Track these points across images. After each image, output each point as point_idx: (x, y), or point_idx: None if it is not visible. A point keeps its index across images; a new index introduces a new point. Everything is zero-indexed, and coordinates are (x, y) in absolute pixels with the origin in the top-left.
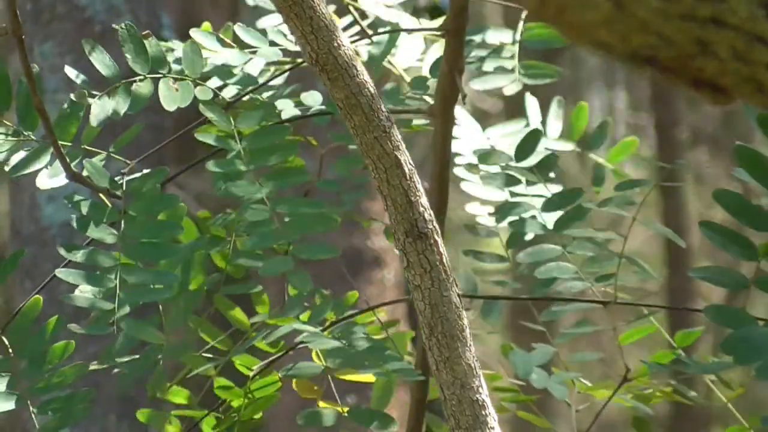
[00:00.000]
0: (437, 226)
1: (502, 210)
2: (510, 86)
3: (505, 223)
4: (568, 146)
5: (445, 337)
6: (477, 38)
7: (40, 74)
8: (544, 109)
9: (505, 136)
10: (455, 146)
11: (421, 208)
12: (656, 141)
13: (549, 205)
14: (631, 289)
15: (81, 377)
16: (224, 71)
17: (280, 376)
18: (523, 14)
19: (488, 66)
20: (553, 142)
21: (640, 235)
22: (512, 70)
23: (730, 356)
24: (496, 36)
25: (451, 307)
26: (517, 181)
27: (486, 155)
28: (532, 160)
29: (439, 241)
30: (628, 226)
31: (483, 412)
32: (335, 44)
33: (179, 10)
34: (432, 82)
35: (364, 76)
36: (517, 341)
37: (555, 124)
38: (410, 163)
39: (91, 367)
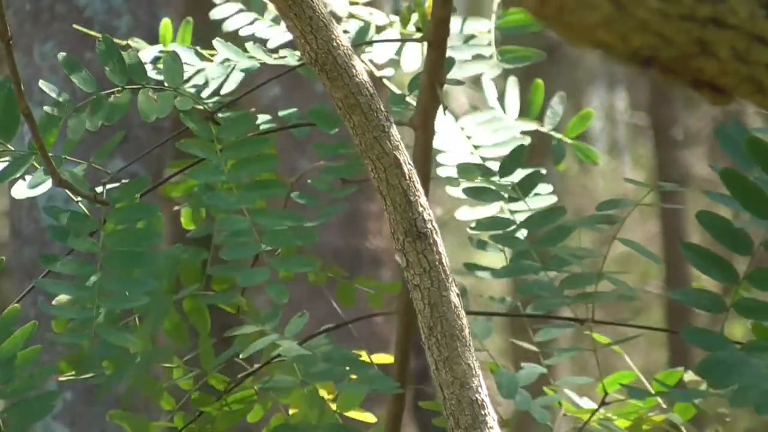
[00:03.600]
0: (436, 226)
1: (483, 224)
2: (490, 72)
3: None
4: (530, 125)
5: (444, 336)
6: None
7: (40, 74)
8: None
9: (480, 125)
10: (440, 159)
11: (421, 208)
12: (654, 141)
13: (530, 223)
14: (631, 289)
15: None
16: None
17: (256, 389)
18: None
19: (466, 54)
20: (517, 123)
21: (640, 234)
22: (490, 57)
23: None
24: (468, 26)
25: (451, 307)
26: (500, 197)
27: (467, 169)
28: (515, 177)
29: (439, 241)
30: (609, 243)
31: (482, 412)
32: (334, 44)
33: (179, 10)
34: (411, 97)
35: (363, 75)
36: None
37: (513, 103)
38: (409, 163)
39: (66, 378)
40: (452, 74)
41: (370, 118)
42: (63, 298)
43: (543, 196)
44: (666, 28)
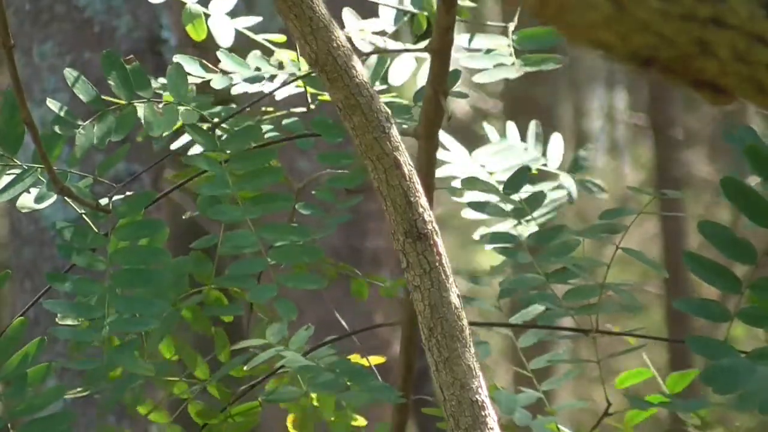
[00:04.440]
0: (437, 227)
1: (489, 238)
2: (511, 75)
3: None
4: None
5: (444, 337)
6: (462, 43)
7: (39, 75)
8: (539, 108)
9: (494, 155)
10: (446, 171)
11: (421, 209)
12: (654, 141)
13: (536, 239)
14: (633, 294)
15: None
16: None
17: (260, 401)
18: (512, 26)
19: (487, 63)
20: (535, 156)
21: (639, 235)
22: (512, 65)
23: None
24: (484, 42)
25: (451, 308)
26: (505, 213)
27: (471, 181)
28: (522, 194)
29: (439, 241)
30: (612, 252)
31: (482, 413)
32: (334, 45)
33: (179, 10)
34: (416, 109)
35: (364, 76)
36: (516, 357)
37: (557, 153)
38: (410, 164)
39: (72, 395)
40: (476, 80)
41: (370, 118)
42: (69, 317)
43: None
44: (666, 28)
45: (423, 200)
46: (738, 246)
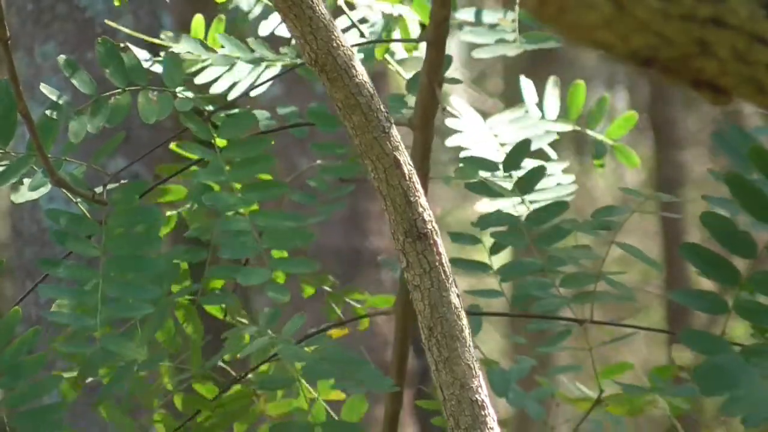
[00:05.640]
0: (437, 227)
1: (486, 220)
2: (511, 52)
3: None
4: (567, 127)
5: (444, 337)
6: (469, 17)
7: (42, 74)
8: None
9: (509, 123)
10: (456, 141)
11: (421, 209)
12: (654, 141)
13: (532, 220)
14: (631, 288)
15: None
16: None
17: (252, 390)
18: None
19: (489, 38)
20: (551, 123)
21: (640, 233)
22: (513, 41)
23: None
24: (492, 16)
25: (451, 308)
26: (500, 194)
27: (464, 169)
28: (518, 174)
29: (439, 241)
30: (607, 248)
31: (482, 413)
32: (334, 44)
33: (180, 10)
34: (410, 98)
35: (363, 76)
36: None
37: (552, 104)
38: (409, 164)
39: (68, 374)
40: (476, 56)
41: (370, 118)
42: (63, 302)
43: (547, 191)
44: (666, 28)
45: (423, 200)
46: (738, 239)
